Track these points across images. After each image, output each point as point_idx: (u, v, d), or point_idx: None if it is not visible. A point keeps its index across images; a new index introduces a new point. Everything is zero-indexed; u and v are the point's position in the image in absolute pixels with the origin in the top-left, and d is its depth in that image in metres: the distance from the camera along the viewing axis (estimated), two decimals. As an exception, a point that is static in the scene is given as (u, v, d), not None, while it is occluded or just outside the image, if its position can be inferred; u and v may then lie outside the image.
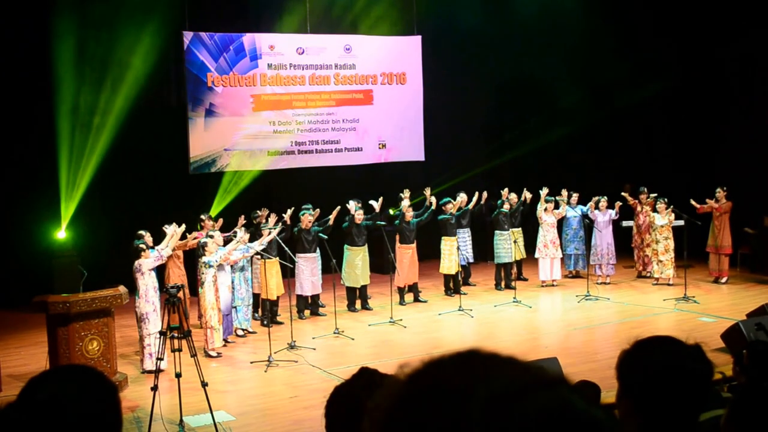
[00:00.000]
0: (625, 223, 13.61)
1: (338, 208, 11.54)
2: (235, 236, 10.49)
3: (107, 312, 8.22)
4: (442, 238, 12.55)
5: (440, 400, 0.80)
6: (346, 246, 11.75)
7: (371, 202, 12.31)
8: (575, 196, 13.25)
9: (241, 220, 11.14)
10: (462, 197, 12.86)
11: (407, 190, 13.18)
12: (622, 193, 13.52)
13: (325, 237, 11.21)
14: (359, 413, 1.06)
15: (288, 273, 10.72)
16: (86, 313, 7.99)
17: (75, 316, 7.90)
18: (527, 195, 13.05)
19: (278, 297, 11.09)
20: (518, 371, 0.83)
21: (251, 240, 10.64)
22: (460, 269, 12.65)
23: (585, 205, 13.32)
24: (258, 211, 11.42)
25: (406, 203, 12.56)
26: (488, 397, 0.78)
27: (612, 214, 13.14)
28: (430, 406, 0.80)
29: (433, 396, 0.81)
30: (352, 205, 11.69)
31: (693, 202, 12.65)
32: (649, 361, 1.88)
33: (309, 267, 11.32)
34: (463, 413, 0.78)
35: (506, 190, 13.36)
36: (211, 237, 9.91)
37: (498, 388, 0.79)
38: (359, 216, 11.64)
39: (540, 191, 13.09)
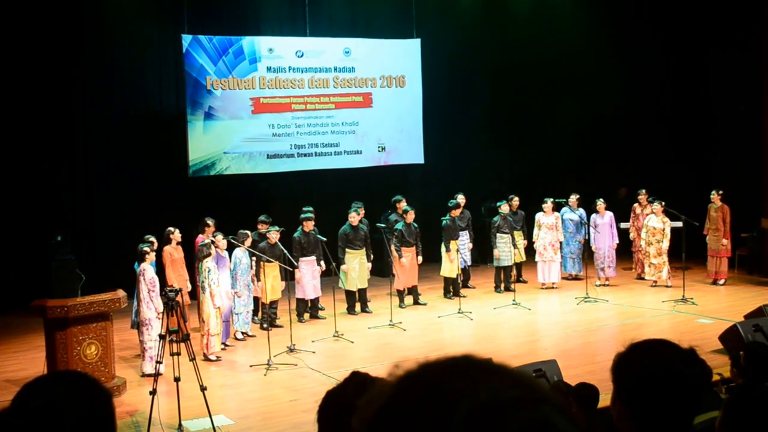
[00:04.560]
0: (622, 225, 13.60)
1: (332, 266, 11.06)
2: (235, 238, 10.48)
3: (105, 316, 8.21)
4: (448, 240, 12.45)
5: (424, 410, 0.81)
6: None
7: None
8: (574, 198, 13.22)
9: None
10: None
11: (402, 199, 12.65)
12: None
13: (324, 239, 11.20)
14: (351, 417, 1.06)
15: (288, 276, 10.70)
16: (84, 318, 7.97)
17: (73, 321, 7.88)
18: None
19: (277, 300, 11.03)
20: (506, 384, 0.83)
21: (253, 245, 10.61)
22: (460, 272, 12.61)
23: (585, 206, 13.30)
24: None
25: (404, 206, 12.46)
26: (470, 411, 0.79)
27: (611, 216, 13.13)
28: (414, 415, 0.81)
29: (418, 405, 0.82)
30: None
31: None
32: (644, 365, 1.88)
33: (309, 270, 11.30)
34: (444, 425, 0.79)
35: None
36: (214, 241, 9.91)
37: (481, 401, 0.80)
38: (356, 219, 11.61)
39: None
